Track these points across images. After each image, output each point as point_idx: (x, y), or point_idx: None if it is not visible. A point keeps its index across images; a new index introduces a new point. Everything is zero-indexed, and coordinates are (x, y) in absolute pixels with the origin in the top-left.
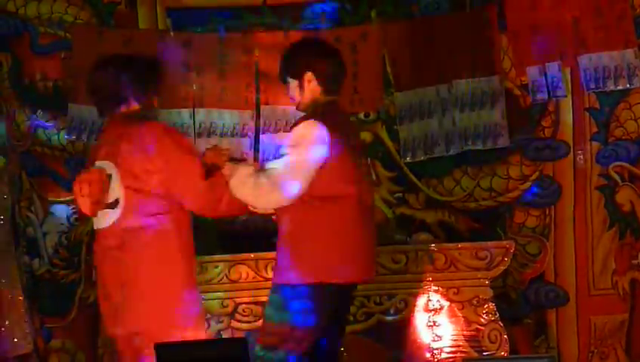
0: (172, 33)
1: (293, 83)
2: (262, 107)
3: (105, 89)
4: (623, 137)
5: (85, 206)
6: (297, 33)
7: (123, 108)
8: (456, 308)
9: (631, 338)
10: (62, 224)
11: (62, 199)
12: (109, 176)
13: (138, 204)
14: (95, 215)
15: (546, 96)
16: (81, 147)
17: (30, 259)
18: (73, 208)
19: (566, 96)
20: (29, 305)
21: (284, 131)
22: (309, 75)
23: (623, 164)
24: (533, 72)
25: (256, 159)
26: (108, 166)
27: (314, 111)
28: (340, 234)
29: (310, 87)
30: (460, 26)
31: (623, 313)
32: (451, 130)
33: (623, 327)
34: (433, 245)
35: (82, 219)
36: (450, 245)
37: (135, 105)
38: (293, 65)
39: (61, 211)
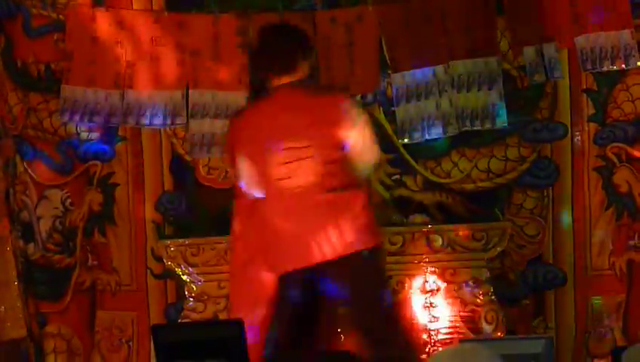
0: (166, 14)
1: None
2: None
3: (278, 56)
4: (621, 118)
5: None
6: (292, 14)
7: (286, 79)
8: (453, 289)
9: (628, 318)
10: (56, 208)
11: (56, 183)
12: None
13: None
14: None
15: (543, 77)
16: (73, 130)
17: (25, 244)
18: (67, 192)
19: (563, 78)
20: (24, 289)
21: None
22: None
23: (621, 145)
24: (529, 52)
25: None
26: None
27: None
28: (265, 227)
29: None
30: (457, 7)
31: (620, 294)
32: (448, 112)
33: (620, 308)
34: (430, 226)
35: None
36: (447, 226)
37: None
38: None
39: (55, 195)
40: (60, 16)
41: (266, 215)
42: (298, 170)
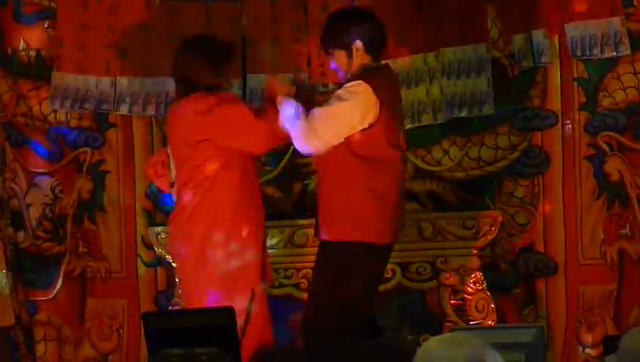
0: (158, 1)
1: (339, 53)
2: (248, 75)
3: (179, 71)
4: (612, 107)
5: (165, 186)
6: (284, 2)
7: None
8: (443, 277)
9: (619, 307)
10: (46, 196)
11: (45, 170)
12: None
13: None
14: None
15: (531, 63)
16: (63, 117)
17: (14, 232)
18: (57, 180)
19: (551, 63)
20: (13, 277)
21: None
22: (357, 44)
23: (612, 133)
24: (519, 40)
25: None
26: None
27: (366, 75)
28: (380, 195)
29: (359, 55)
30: None
31: (611, 283)
32: (439, 99)
33: (611, 297)
34: (421, 214)
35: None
36: (438, 214)
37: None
38: (340, 35)
39: (45, 183)
40: (51, 4)
41: (386, 180)
42: (403, 144)
